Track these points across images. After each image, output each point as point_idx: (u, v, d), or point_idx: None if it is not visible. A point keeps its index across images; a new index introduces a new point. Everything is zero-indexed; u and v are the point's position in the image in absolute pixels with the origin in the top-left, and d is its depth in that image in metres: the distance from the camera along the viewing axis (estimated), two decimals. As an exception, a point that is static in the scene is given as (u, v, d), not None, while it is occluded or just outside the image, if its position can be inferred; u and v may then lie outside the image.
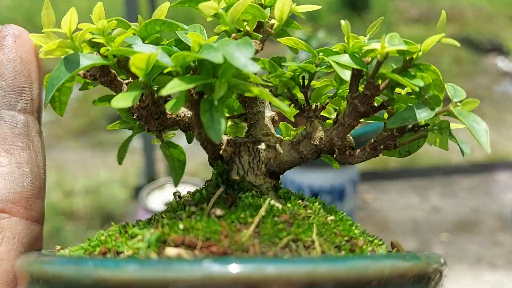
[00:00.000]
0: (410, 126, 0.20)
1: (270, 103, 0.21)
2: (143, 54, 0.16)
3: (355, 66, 0.19)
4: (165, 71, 0.18)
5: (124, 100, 0.17)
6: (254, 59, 0.17)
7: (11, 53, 0.19)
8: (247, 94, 0.17)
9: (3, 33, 0.19)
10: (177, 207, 0.19)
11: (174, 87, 0.15)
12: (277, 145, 0.20)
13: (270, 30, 0.20)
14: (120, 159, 0.24)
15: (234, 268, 0.12)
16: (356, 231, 0.20)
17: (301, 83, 0.21)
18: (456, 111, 0.18)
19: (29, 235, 0.18)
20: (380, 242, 0.21)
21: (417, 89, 0.18)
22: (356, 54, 0.19)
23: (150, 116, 0.19)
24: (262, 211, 0.17)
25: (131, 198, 1.57)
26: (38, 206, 0.18)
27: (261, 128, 0.20)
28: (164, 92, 0.16)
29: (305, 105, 0.20)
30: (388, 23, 6.17)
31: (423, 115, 0.18)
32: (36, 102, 0.19)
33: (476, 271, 0.76)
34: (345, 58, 0.18)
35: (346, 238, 0.19)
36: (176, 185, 0.23)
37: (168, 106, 0.16)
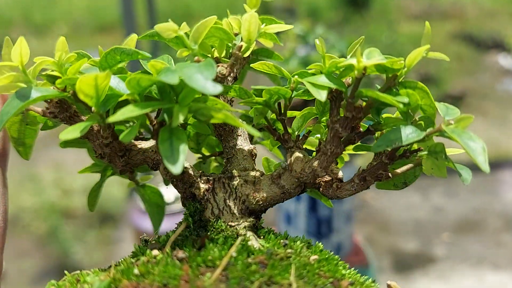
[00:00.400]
0: (401, 152, 0.18)
1: (250, 136, 0.20)
2: (89, 76, 0.15)
3: (333, 86, 0.16)
4: (121, 99, 0.16)
5: (72, 131, 0.15)
6: (227, 87, 0.16)
7: None
8: (212, 121, 0.15)
9: None
10: (139, 251, 0.17)
11: (124, 113, 0.14)
12: (256, 180, 0.17)
13: (237, 53, 0.18)
14: (91, 207, 0.22)
15: None
16: (343, 271, 0.17)
17: (277, 110, 0.18)
18: (449, 130, 0.16)
19: None
20: (372, 284, 0.18)
21: (401, 106, 0.16)
22: (333, 75, 0.17)
23: (115, 154, 0.17)
24: (232, 252, 0.15)
25: (128, 197, 1.56)
26: None
27: (238, 162, 0.18)
28: (111, 119, 0.14)
29: (284, 134, 0.18)
30: (389, 20, 6.15)
31: (411, 136, 0.16)
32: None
33: (479, 272, 0.75)
34: (321, 79, 0.16)
35: (330, 280, 0.16)
36: (155, 232, 0.21)
37: (121, 136, 0.15)
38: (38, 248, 1.39)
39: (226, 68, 0.18)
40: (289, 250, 0.16)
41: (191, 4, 6.68)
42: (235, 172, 0.17)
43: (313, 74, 0.18)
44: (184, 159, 0.13)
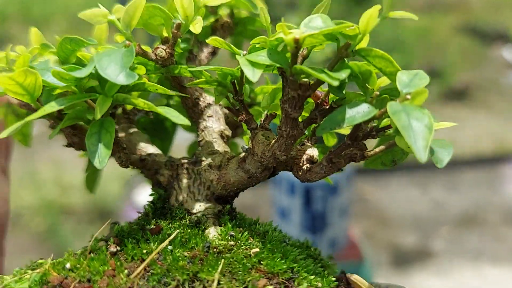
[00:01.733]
0: (362, 132, 0.16)
1: (226, 116, 0.19)
2: (9, 77, 0.14)
3: (268, 63, 0.15)
4: (56, 92, 0.15)
5: (7, 131, 0.15)
6: (173, 67, 0.15)
7: None
8: (138, 107, 0.15)
9: None
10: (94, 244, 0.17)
11: (45, 109, 0.13)
12: (222, 164, 0.17)
13: (175, 31, 0.16)
14: (90, 189, 0.22)
15: None
16: (280, 263, 0.15)
17: (233, 90, 0.17)
18: (392, 109, 0.13)
19: None
20: (326, 277, 0.16)
21: (335, 83, 0.14)
22: (277, 48, 0.15)
23: (83, 143, 0.17)
24: (164, 245, 0.14)
25: (124, 194, 1.57)
26: None
27: (207, 145, 0.17)
28: (28, 118, 0.14)
29: (244, 114, 0.16)
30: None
31: (359, 115, 0.13)
32: None
33: (478, 266, 0.75)
34: (261, 56, 0.14)
35: (263, 275, 0.15)
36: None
37: (51, 135, 0.15)
38: (38, 245, 1.40)
39: (166, 49, 0.17)
40: (231, 242, 0.15)
41: None
42: (201, 157, 0.16)
43: (262, 48, 0.16)
44: (108, 155, 0.13)
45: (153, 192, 0.18)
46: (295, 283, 0.14)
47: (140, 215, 0.17)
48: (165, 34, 0.17)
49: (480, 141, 3.98)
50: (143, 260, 0.14)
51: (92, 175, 0.22)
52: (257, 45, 0.15)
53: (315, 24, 0.13)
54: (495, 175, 1.03)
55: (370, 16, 0.16)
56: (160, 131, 0.18)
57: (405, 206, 0.94)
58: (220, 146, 0.17)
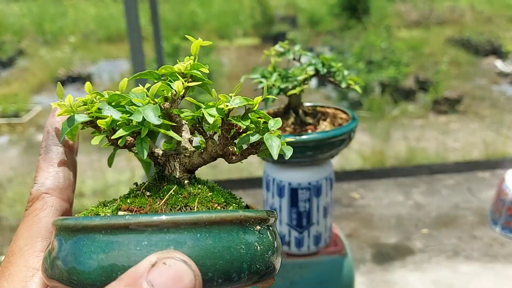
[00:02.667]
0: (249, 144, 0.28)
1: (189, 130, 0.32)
2: (103, 118, 0.29)
3: (216, 115, 0.27)
4: (118, 123, 0.29)
5: (97, 139, 0.29)
6: (173, 111, 0.30)
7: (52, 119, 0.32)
8: (161, 131, 0.29)
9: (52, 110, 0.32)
10: (132, 191, 0.30)
11: (118, 134, 0.28)
12: (190, 155, 0.30)
13: (173, 97, 0.30)
14: (110, 164, 0.33)
15: (142, 217, 0.23)
16: (221, 199, 0.29)
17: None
18: (266, 137, 0.26)
19: (61, 208, 0.31)
20: (239, 204, 0.30)
21: (244, 126, 0.28)
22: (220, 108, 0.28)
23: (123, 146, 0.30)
24: (171, 192, 0.28)
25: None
26: (68, 193, 0.32)
27: (183, 145, 0.30)
28: (114, 136, 0.28)
29: (204, 133, 0.29)
30: (388, 26, 6.17)
31: (253, 138, 0.27)
32: (70, 142, 0.33)
33: (453, 263, 0.80)
34: (213, 111, 0.28)
35: (217, 204, 0.28)
36: (147, 176, 0.33)
37: (108, 161, 0.32)
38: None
39: (169, 104, 0.29)
40: (199, 191, 0.28)
41: (196, 13, 6.73)
42: (180, 150, 0.29)
43: (211, 106, 0.28)
44: (147, 152, 0.28)
45: (155, 169, 0.31)
46: (228, 206, 0.28)
47: (151, 179, 0.29)
48: (168, 95, 0.29)
49: (471, 149, 4.02)
50: (163, 198, 0.28)
51: (112, 157, 0.33)
52: (210, 103, 0.28)
53: (236, 102, 0.27)
54: (473, 180, 1.09)
55: (257, 100, 0.27)
56: (152, 137, 0.31)
57: (389, 209, 1.00)
58: (189, 146, 0.30)
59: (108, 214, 0.28)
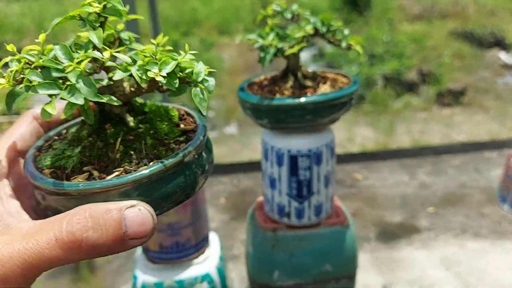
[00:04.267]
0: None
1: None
2: None
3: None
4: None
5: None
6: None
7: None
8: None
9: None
10: (83, 138, 0.33)
11: (64, 115, 0.27)
12: (125, 91, 0.32)
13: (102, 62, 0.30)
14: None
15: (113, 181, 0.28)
16: (162, 133, 0.32)
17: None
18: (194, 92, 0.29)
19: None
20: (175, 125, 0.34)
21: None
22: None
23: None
24: (119, 139, 0.31)
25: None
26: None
27: (117, 84, 0.32)
28: (62, 116, 0.28)
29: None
30: (390, 20, 6.12)
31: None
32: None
33: (461, 240, 0.78)
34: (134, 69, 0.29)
35: (159, 147, 0.31)
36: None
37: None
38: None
39: (99, 67, 0.31)
40: (140, 126, 0.33)
41: (196, 9, 6.69)
42: (114, 89, 0.33)
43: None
44: (93, 117, 0.31)
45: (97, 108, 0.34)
46: (170, 135, 0.33)
47: (95, 120, 0.33)
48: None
49: (473, 133, 3.97)
50: (114, 144, 0.32)
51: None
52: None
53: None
54: (480, 160, 1.06)
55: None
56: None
57: (394, 189, 0.97)
58: (121, 84, 0.31)
59: (81, 180, 0.29)
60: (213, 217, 0.91)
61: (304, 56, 6.54)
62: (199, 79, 0.31)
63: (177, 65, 0.31)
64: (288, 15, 0.54)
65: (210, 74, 0.32)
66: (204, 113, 0.32)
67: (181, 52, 0.32)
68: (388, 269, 0.75)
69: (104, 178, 0.29)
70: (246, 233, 0.64)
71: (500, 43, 6.22)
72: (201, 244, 0.63)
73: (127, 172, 0.29)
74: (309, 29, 0.53)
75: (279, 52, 0.53)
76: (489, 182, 1.00)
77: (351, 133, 4.19)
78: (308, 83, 0.56)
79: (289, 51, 0.52)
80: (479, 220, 0.87)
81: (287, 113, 0.53)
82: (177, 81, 0.30)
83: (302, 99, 0.52)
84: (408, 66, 4.96)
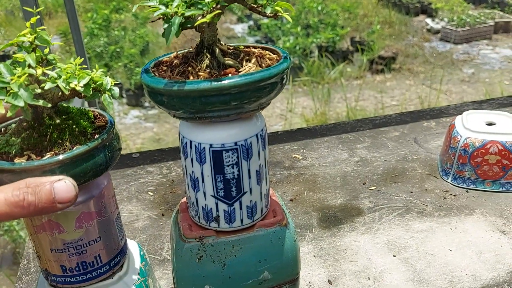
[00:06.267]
0: None
1: None
2: None
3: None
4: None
5: None
6: None
7: None
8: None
9: None
10: (22, 130, 0.42)
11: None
12: (52, 97, 0.42)
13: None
14: None
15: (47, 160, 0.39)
16: (81, 126, 0.44)
17: None
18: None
19: None
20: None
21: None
22: None
23: None
24: (50, 131, 0.41)
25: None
26: None
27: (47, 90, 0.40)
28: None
29: None
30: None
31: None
32: None
33: (406, 221, 0.70)
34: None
35: (80, 136, 0.43)
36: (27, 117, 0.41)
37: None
38: None
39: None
40: (65, 122, 0.43)
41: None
42: (44, 95, 0.40)
43: None
44: (31, 115, 0.42)
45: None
46: (88, 130, 0.45)
47: (30, 117, 0.40)
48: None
49: (408, 105, 4.06)
50: (46, 135, 0.42)
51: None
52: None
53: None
54: (419, 130, 1.00)
55: None
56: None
57: (334, 168, 0.89)
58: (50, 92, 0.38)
59: (23, 161, 0.39)
60: (139, 215, 0.78)
61: (239, 28, 6.38)
62: (107, 88, 0.43)
63: (91, 79, 0.42)
64: (197, -25, 0.41)
65: (115, 84, 0.44)
66: (111, 112, 0.47)
67: (94, 69, 0.43)
68: (333, 260, 0.67)
69: (40, 159, 0.39)
70: (170, 241, 0.53)
71: (426, 9, 6.35)
72: (115, 261, 0.51)
73: (56, 154, 0.40)
74: (224, -8, 0.41)
75: (188, 22, 0.41)
76: (429, 154, 0.95)
77: (291, 103, 4.13)
78: (229, 61, 0.44)
79: (200, 21, 0.40)
80: (423, 196, 0.81)
81: (203, 100, 0.42)
82: (91, 90, 0.42)
83: (221, 82, 0.40)
84: (341, 35, 4.95)
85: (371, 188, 0.84)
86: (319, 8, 5.22)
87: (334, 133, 1.04)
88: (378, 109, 3.97)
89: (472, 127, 0.81)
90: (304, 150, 0.98)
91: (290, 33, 5.05)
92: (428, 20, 5.98)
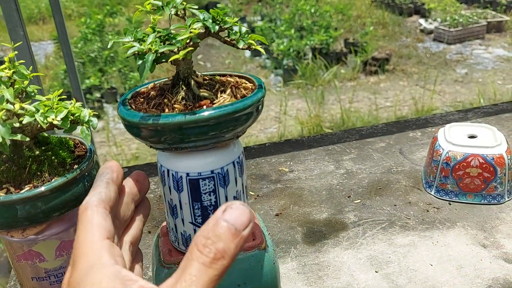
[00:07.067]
0: None
1: None
2: None
3: None
4: None
5: None
6: None
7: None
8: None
9: None
10: (2, 164, 0.44)
11: None
12: (31, 128, 0.42)
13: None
14: None
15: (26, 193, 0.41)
16: (60, 158, 0.45)
17: None
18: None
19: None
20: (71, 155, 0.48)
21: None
22: None
23: None
24: (29, 164, 0.43)
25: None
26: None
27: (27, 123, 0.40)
28: None
29: None
30: (316, -9, 6.07)
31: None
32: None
33: (389, 235, 0.71)
34: None
35: (59, 168, 0.45)
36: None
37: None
38: None
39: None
40: (44, 154, 0.44)
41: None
42: (24, 128, 0.41)
43: None
44: (9, 150, 0.44)
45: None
46: (66, 161, 0.46)
47: (10, 150, 0.43)
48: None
49: (402, 106, 4.07)
50: (25, 168, 0.44)
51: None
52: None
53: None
54: (404, 141, 1.01)
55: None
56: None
57: (320, 181, 0.90)
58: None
59: (1, 194, 0.41)
60: (126, 233, 0.79)
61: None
62: (85, 120, 0.44)
63: (69, 112, 0.43)
64: (169, 11, 0.42)
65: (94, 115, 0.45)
66: (89, 144, 0.47)
67: (71, 102, 0.44)
68: (316, 277, 0.68)
69: (18, 192, 0.41)
70: (151, 265, 0.54)
71: (419, 10, 6.37)
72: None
73: (35, 187, 0.42)
74: (197, 28, 0.41)
75: (162, 57, 0.42)
76: (414, 165, 0.96)
77: (285, 106, 4.14)
78: (204, 93, 0.45)
79: (173, 57, 0.41)
80: (406, 209, 0.82)
81: (178, 132, 0.42)
82: (69, 122, 0.43)
83: (195, 115, 0.41)
84: (335, 37, 4.96)
85: (355, 202, 0.85)
86: (312, 10, 5.23)
87: (321, 144, 1.05)
88: (372, 111, 3.98)
89: (454, 140, 0.82)
90: (291, 163, 0.99)
91: (284, 35, 5.06)
92: (421, 21, 6.00)
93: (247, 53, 5.40)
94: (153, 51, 0.41)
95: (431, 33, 5.70)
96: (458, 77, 4.65)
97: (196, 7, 0.44)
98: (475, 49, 5.24)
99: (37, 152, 0.46)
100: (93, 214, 0.35)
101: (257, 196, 0.89)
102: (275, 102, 4.35)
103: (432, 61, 5.02)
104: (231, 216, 0.31)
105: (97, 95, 4.23)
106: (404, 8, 6.30)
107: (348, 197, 0.86)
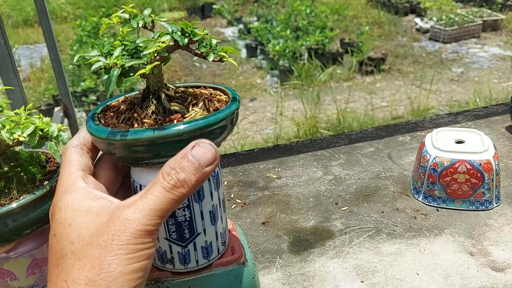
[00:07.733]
0: None
1: None
2: None
3: None
4: None
5: None
6: None
7: None
8: None
9: None
10: None
11: None
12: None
13: None
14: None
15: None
16: (29, 174, 0.44)
17: None
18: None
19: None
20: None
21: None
22: None
23: None
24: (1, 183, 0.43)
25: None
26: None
27: None
28: None
29: None
30: (312, -9, 6.06)
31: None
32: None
33: (376, 243, 0.70)
34: None
35: (28, 184, 0.44)
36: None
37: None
38: None
39: None
40: (13, 170, 0.42)
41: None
42: None
43: None
44: None
45: None
46: (36, 176, 0.45)
47: None
48: None
49: (398, 106, 4.06)
50: None
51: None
52: None
53: None
54: (393, 145, 1.00)
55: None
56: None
57: (308, 187, 0.89)
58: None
59: None
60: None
61: (229, 32, 6.35)
62: (54, 136, 0.44)
63: (36, 128, 0.42)
64: (136, 24, 0.41)
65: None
66: (58, 159, 0.46)
67: (40, 117, 0.43)
68: (301, 288, 0.66)
69: None
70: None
71: (415, 9, 6.36)
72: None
73: (2, 205, 0.41)
74: (165, 41, 0.40)
75: (130, 71, 0.41)
76: (402, 171, 0.95)
77: (281, 107, 4.12)
78: (175, 107, 0.44)
79: (140, 72, 0.39)
80: (394, 216, 0.81)
81: (147, 148, 0.41)
82: (36, 138, 0.42)
83: (163, 131, 0.40)
84: (331, 37, 4.94)
85: (343, 209, 0.84)
86: (308, 10, 5.22)
87: (310, 150, 1.04)
88: (368, 111, 3.97)
89: (441, 146, 0.81)
90: (279, 169, 0.98)
91: (280, 36, 5.04)
92: (417, 20, 5.99)
93: (243, 54, 5.39)
94: (118, 66, 0.39)
95: (427, 32, 5.69)
96: (454, 76, 4.64)
97: (165, 19, 0.42)
98: (470, 48, 5.23)
99: (6, 169, 0.45)
100: (71, 153, 0.41)
101: (244, 203, 0.87)
102: (271, 103, 4.34)
103: (428, 61, 5.01)
104: (198, 152, 0.36)
105: (93, 97, 4.22)
106: (400, 8, 6.29)
107: (335, 204, 0.85)
